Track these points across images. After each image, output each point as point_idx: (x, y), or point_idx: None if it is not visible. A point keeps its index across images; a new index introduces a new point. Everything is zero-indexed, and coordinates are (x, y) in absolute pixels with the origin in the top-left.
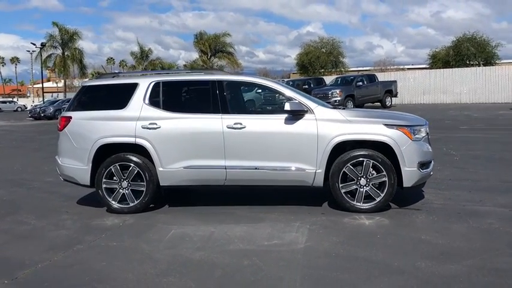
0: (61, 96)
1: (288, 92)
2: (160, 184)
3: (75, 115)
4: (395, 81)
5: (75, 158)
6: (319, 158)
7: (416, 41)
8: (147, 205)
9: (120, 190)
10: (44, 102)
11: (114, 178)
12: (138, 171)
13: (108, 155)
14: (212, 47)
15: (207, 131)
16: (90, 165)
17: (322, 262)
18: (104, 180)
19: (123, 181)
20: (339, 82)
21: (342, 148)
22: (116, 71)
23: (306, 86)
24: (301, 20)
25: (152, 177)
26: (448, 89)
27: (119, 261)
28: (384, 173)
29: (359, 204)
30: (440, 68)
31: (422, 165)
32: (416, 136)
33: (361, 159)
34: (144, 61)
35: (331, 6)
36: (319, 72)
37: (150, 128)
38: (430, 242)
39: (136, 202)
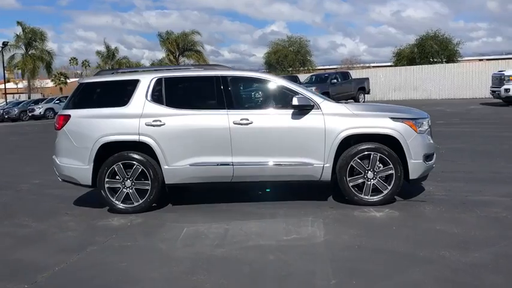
0: (23, 97)
1: (294, 87)
2: (166, 182)
3: (74, 113)
4: (367, 79)
5: (75, 157)
6: (327, 152)
7: (378, 39)
8: (152, 204)
9: (124, 189)
10: (6, 104)
11: (117, 177)
12: (142, 169)
13: (109, 154)
14: (180, 46)
15: (213, 127)
16: (92, 164)
17: (348, 255)
18: (106, 179)
19: (126, 180)
20: (313, 80)
21: (348, 142)
22: (115, 69)
23: None
24: (266, 19)
25: (157, 176)
26: (418, 86)
27: (139, 261)
28: (391, 165)
29: (367, 197)
30: (405, 65)
31: (427, 157)
32: (420, 129)
33: (368, 152)
34: (111, 60)
35: (295, 5)
36: (288, 71)
37: (154, 125)
38: (446, 231)
39: (141, 201)
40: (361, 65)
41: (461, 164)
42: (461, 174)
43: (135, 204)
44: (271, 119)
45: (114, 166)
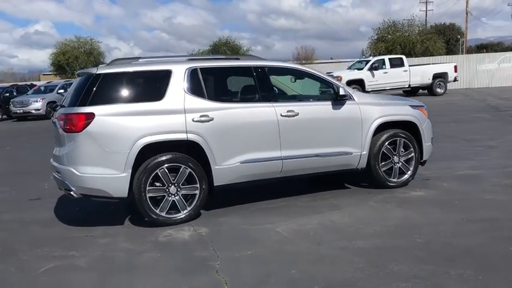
0: None
1: (329, 78)
2: (215, 184)
3: (98, 111)
4: None
5: (105, 165)
6: (363, 140)
7: (152, 44)
8: (199, 211)
9: (169, 197)
10: None
11: (157, 184)
12: (190, 172)
13: (143, 158)
14: None
15: (262, 120)
16: (130, 171)
17: (449, 229)
18: (148, 188)
19: (170, 186)
20: None
21: (377, 130)
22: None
23: None
24: (28, 18)
25: (206, 178)
26: None
27: (303, 266)
28: (412, 149)
29: (395, 180)
30: None
31: (432, 140)
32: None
33: (395, 138)
34: None
35: (61, 4)
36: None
37: (202, 121)
38: (501, 200)
39: (189, 208)
40: None
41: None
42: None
43: (183, 212)
44: (315, 109)
45: (157, 171)
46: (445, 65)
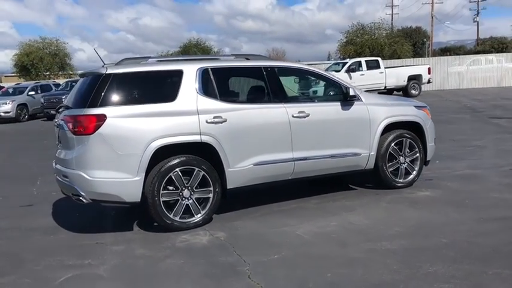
0: None
1: (337, 78)
2: (228, 187)
3: (110, 112)
4: None
5: (118, 168)
6: (371, 141)
7: (118, 46)
8: (212, 215)
9: (182, 201)
10: None
11: (170, 188)
12: (203, 175)
13: (154, 160)
14: None
15: (274, 121)
16: (143, 175)
17: (469, 228)
18: (161, 192)
19: (184, 190)
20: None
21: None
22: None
23: None
24: None
25: (220, 180)
26: None
27: (323, 269)
28: (417, 149)
29: (401, 180)
30: None
31: (435, 140)
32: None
33: (401, 138)
34: None
35: (21, 4)
36: (45, 75)
37: (215, 123)
38: (508, 198)
39: (202, 212)
40: None
41: None
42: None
43: (197, 216)
44: (325, 110)
45: (171, 174)
46: (419, 67)
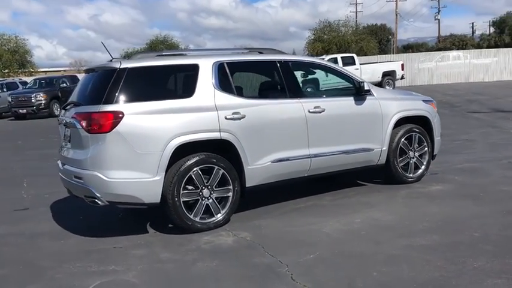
0: None
1: (349, 73)
2: (246, 185)
3: (128, 109)
4: None
5: (137, 168)
6: (384, 136)
7: (78, 43)
8: (232, 214)
9: (202, 201)
10: None
11: (189, 187)
12: (223, 173)
13: (173, 159)
14: None
15: (291, 117)
16: (163, 174)
17: (496, 222)
18: (182, 192)
19: (204, 189)
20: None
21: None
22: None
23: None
24: None
25: (239, 179)
26: None
27: (365, 267)
28: (425, 143)
29: (411, 175)
30: None
31: (441, 134)
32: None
33: (411, 133)
34: None
35: None
36: (4, 72)
37: (234, 119)
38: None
39: (222, 212)
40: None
41: None
42: None
43: (217, 216)
44: (340, 105)
45: (190, 173)
46: (393, 63)
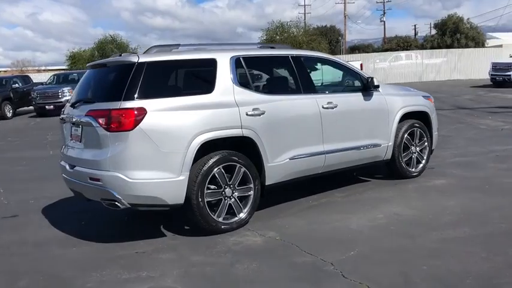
0: None
1: (357, 69)
2: (266, 183)
3: (150, 105)
4: None
5: (161, 168)
6: (390, 131)
7: (14, 42)
8: (253, 213)
9: (225, 200)
10: None
11: (212, 187)
12: (244, 171)
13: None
14: None
15: (307, 113)
16: (187, 174)
17: None
18: (206, 191)
19: (226, 188)
20: None
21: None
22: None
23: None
24: None
25: (259, 177)
26: None
27: (412, 262)
28: (425, 138)
29: (414, 169)
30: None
31: (438, 129)
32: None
33: (413, 128)
34: None
35: None
36: None
37: (254, 115)
38: None
39: (245, 211)
40: (37, 68)
41: None
42: None
43: (240, 216)
44: (351, 101)
45: (214, 172)
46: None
